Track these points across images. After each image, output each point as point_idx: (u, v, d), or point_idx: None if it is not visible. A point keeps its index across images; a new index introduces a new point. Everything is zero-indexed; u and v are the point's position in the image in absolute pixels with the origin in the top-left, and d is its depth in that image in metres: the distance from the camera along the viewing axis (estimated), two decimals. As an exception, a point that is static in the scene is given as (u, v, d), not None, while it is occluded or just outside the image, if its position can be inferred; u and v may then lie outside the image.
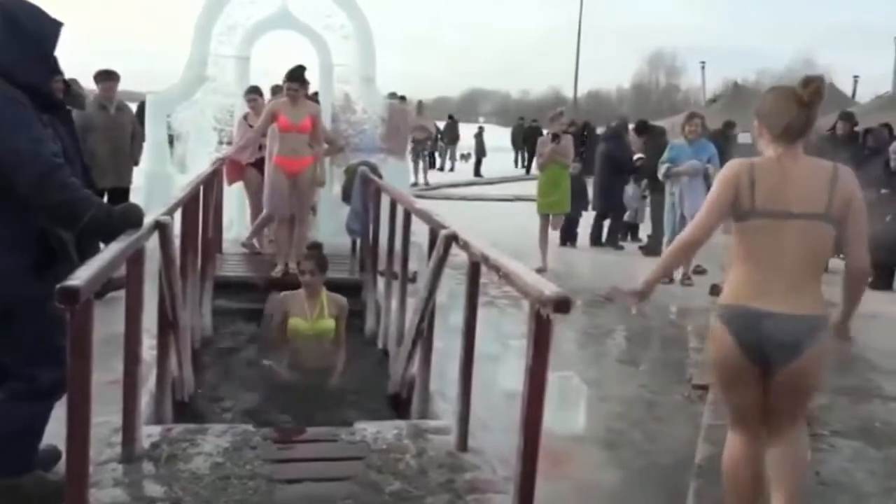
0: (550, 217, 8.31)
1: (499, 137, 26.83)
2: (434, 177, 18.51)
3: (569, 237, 9.77)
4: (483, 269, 2.89)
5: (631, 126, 10.63)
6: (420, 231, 5.03)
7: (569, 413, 3.94)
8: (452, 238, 3.34)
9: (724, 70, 47.20)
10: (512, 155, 24.45)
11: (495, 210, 13.76)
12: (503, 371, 4.42)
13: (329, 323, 4.97)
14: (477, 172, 21.10)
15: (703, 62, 27.19)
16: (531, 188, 9.15)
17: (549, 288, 2.11)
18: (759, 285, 2.60)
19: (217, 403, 4.38)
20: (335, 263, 6.95)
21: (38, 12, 2.71)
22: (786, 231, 2.58)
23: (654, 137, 9.83)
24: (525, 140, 21.43)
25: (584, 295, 7.03)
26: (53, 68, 2.84)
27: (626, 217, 10.21)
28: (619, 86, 65.47)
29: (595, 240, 10.09)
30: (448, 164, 22.72)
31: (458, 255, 3.41)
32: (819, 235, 2.59)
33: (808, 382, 2.61)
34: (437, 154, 21.84)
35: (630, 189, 10.00)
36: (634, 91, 61.61)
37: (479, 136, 23.02)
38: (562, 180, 8.20)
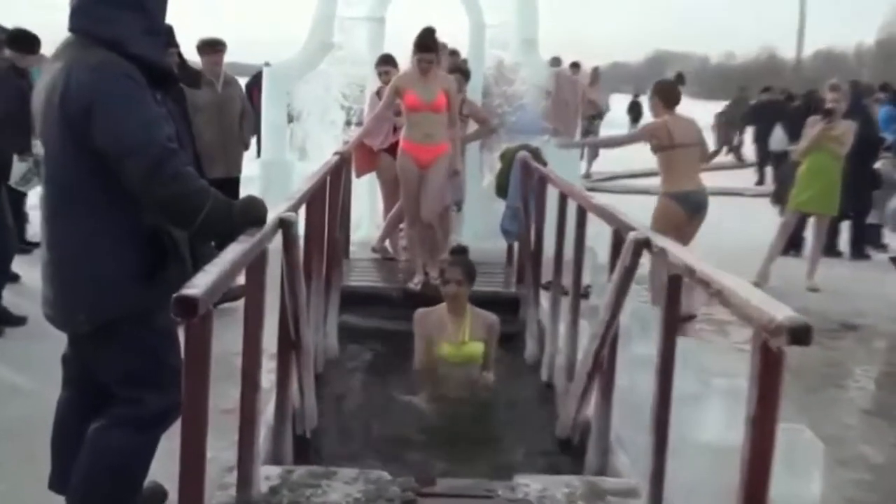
0: (813, 219, 8.05)
1: (698, 113, 26.11)
2: (602, 165, 18.23)
3: (792, 243, 9.35)
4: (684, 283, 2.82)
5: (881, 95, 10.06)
6: (595, 233, 5.01)
7: (798, 479, 3.75)
8: (644, 243, 3.28)
9: None
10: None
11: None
12: (707, 418, 4.28)
13: (477, 347, 5.04)
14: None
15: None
16: (743, 179, 8.82)
17: (781, 311, 2.02)
18: None
19: (344, 442, 4.50)
20: (486, 274, 7.03)
21: None
22: None
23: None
24: (757, 116, 19.52)
25: (816, 321, 6.68)
26: (168, 39, 3.02)
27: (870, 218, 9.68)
28: (860, 42, 62.03)
29: (830, 247, 9.59)
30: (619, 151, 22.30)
31: (645, 266, 3.35)
32: None
33: None
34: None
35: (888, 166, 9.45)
36: (880, 49, 58.24)
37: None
38: (830, 171, 7.93)
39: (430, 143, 6.53)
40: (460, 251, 5.41)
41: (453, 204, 7.80)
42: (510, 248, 7.60)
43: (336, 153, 6.36)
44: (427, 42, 6.44)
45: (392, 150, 7.34)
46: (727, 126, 22.26)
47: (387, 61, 7.80)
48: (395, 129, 7.39)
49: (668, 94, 6.71)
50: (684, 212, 6.33)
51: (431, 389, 4.96)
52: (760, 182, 17.06)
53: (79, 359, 3.10)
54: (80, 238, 2.85)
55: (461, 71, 7.82)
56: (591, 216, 4.62)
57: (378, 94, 7.67)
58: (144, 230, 2.89)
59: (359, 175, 7.85)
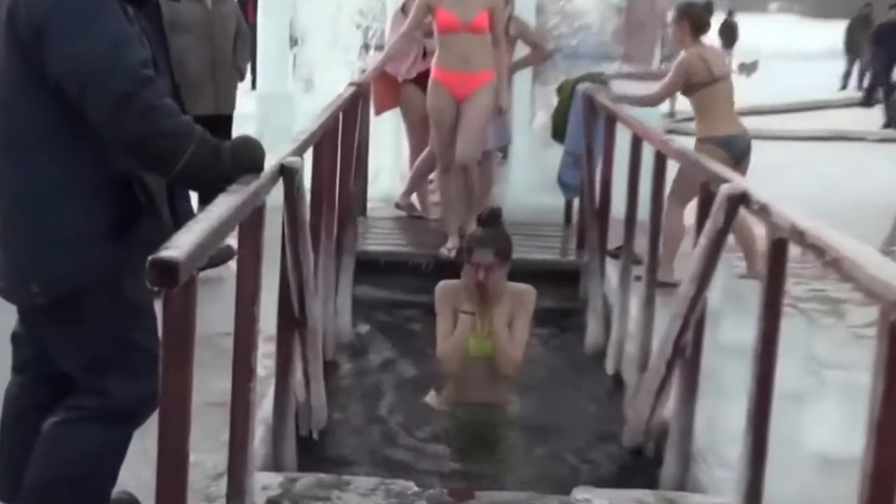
0: None
1: (812, 36, 25.71)
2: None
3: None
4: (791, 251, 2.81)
5: None
6: None
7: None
8: (740, 199, 3.25)
9: None
10: (838, 65, 23.37)
11: (801, 154, 13.25)
12: (817, 420, 4.27)
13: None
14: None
15: None
16: (867, 120, 8.70)
17: (917, 285, 1.99)
18: None
19: (360, 444, 4.54)
20: (538, 238, 7.03)
21: None
22: None
23: None
24: (884, 38, 18.86)
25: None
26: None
27: None
28: None
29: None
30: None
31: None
32: None
33: None
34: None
35: None
36: None
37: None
38: None
39: (468, 71, 6.49)
40: (491, 218, 5.00)
41: (497, 149, 7.77)
42: (569, 206, 7.58)
43: (351, 84, 6.33)
44: None
45: (421, 80, 7.26)
46: (848, 45, 21.98)
47: None
48: (426, 55, 7.35)
49: (699, 20, 6.75)
50: (730, 159, 6.30)
51: (457, 387, 4.92)
52: (889, 124, 16.83)
53: (32, 339, 3.13)
54: (33, 188, 2.85)
55: None
56: (672, 165, 4.58)
57: (403, 9, 7.61)
58: (112, 178, 2.90)
59: (379, 112, 7.82)
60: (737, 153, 6.55)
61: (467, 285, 4.88)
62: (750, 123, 16.51)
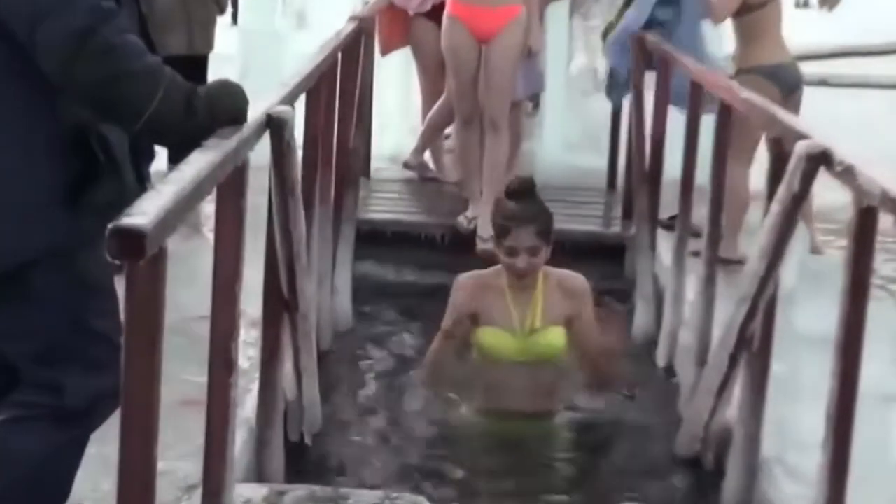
0: None
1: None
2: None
3: None
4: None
5: None
6: None
7: None
8: (820, 158, 3.24)
9: None
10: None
11: (887, 105, 13.16)
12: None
13: (555, 337, 4.88)
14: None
15: None
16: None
17: None
18: None
19: (361, 452, 4.55)
20: (576, 205, 7.01)
21: None
22: None
23: None
24: None
25: None
26: None
27: None
28: None
29: None
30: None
31: (820, 197, 3.33)
32: None
33: None
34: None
35: None
36: None
37: None
38: None
39: (491, 6, 6.47)
40: (524, 189, 4.84)
41: (527, 99, 7.75)
42: (613, 167, 7.56)
43: (352, 18, 6.31)
44: None
45: (435, 14, 7.25)
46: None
47: None
48: None
49: None
50: (779, 92, 6.29)
51: (487, 396, 4.91)
52: None
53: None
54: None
55: None
56: (738, 117, 4.55)
57: None
58: (64, 133, 2.90)
59: (385, 52, 7.81)
60: (786, 85, 6.52)
61: (499, 275, 4.83)
62: (831, 68, 16.51)
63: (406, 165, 7.78)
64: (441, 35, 6.74)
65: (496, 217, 4.96)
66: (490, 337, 4.82)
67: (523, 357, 4.78)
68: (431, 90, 7.70)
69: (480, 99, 6.58)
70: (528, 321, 4.77)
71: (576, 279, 4.93)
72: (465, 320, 4.87)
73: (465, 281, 4.93)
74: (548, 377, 4.89)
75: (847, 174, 3.01)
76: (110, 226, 1.98)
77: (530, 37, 6.70)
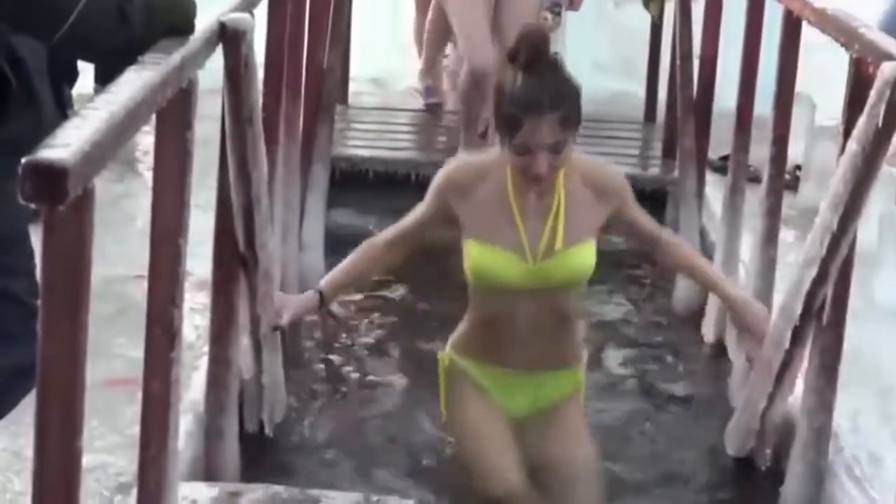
0: None
1: None
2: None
3: None
4: None
5: None
6: (815, 67, 4.79)
7: None
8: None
9: None
10: None
11: None
12: None
13: (583, 256, 4.13)
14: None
15: None
16: None
17: None
18: None
19: (332, 443, 4.58)
20: (608, 140, 6.99)
21: None
22: None
23: None
24: None
25: None
26: None
27: None
28: None
29: None
30: None
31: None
32: None
33: None
34: None
35: None
36: None
37: None
38: None
39: None
40: (538, 58, 3.96)
41: (547, 8, 7.72)
42: (652, 93, 7.54)
43: None
44: None
45: None
46: None
47: None
48: None
49: None
50: None
51: (489, 349, 4.66)
52: None
53: None
54: None
55: None
56: (808, 31, 4.55)
57: None
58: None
59: None
60: None
61: (503, 169, 4.06)
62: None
63: (424, 91, 7.73)
64: None
65: (501, 104, 4.24)
66: (488, 259, 4.03)
67: (538, 286, 4.08)
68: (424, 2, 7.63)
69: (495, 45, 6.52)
70: (543, 242, 4.00)
71: (609, 173, 4.21)
72: (442, 218, 4.15)
73: (452, 174, 4.13)
74: (567, 311, 4.38)
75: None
76: (23, 161, 1.98)
77: None
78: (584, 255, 4.02)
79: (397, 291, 5.92)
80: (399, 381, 5.07)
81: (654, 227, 4.23)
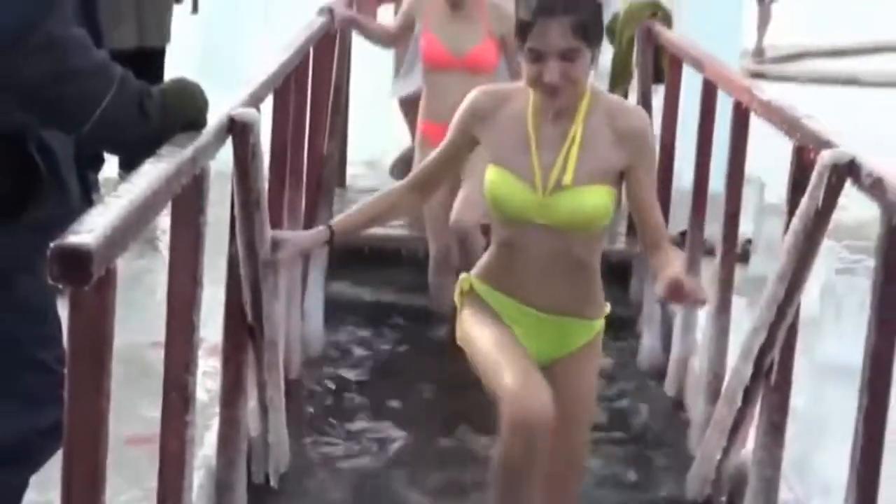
0: None
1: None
2: (779, 36, 18.04)
3: None
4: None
5: None
6: (763, 151, 4.81)
7: None
8: (846, 168, 3.26)
9: None
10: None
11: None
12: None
13: (597, 197, 3.61)
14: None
15: None
16: None
17: None
18: None
19: (333, 495, 4.54)
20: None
21: None
22: None
23: None
24: None
25: None
26: None
27: None
28: None
29: None
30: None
31: (848, 209, 3.35)
32: None
33: None
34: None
35: None
36: None
37: None
38: None
39: None
40: None
41: None
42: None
43: (322, 10, 6.22)
44: None
45: None
46: None
47: None
48: None
49: None
50: None
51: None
52: None
53: None
54: None
55: None
56: (756, 121, 4.58)
57: None
58: (1, 139, 2.91)
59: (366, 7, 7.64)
60: None
61: (523, 94, 3.71)
62: (858, 65, 16.51)
63: (392, 172, 7.68)
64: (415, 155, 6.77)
65: (518, 10, 4.01)
66: (501, 184, 3.64)
67: (544, 220, 3.60)
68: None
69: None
70: (553, 175, 3.58)
71: (635, 112, 3.75)
72: (466, 143, 3.79)
73: (477, 99, 3.76)
74: (581, 259, 3.90)
75: (876, 187, 3.03)
76: (52, 245, 2.00)
77: None
78: (595, 199, 3.58)
79: (391, 361, 5.91)
80: (396, 439, 5.05)
81: (656, 208, 3.72)
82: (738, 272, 4.96)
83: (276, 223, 4.20)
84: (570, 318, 3.68)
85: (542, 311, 3.65)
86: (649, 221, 3.70)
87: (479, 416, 4.95)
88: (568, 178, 3.54)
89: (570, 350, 3.70)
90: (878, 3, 21.64)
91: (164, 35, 8.16)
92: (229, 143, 3.27)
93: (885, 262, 2.98)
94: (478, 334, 3.70)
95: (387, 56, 8.10)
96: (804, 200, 3.49)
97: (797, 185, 3.68)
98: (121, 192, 2.34)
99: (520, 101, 3.64)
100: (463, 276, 3.83)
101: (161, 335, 2.96)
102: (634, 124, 3.64)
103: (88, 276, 2.00)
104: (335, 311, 6.16)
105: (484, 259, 3.79)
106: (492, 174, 3.63)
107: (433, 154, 3.84)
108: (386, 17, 7.86)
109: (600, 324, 3.76)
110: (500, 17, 5.96)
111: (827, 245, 3.67)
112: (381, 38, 6.63)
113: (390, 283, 6.50)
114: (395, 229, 7.00)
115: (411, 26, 6.31)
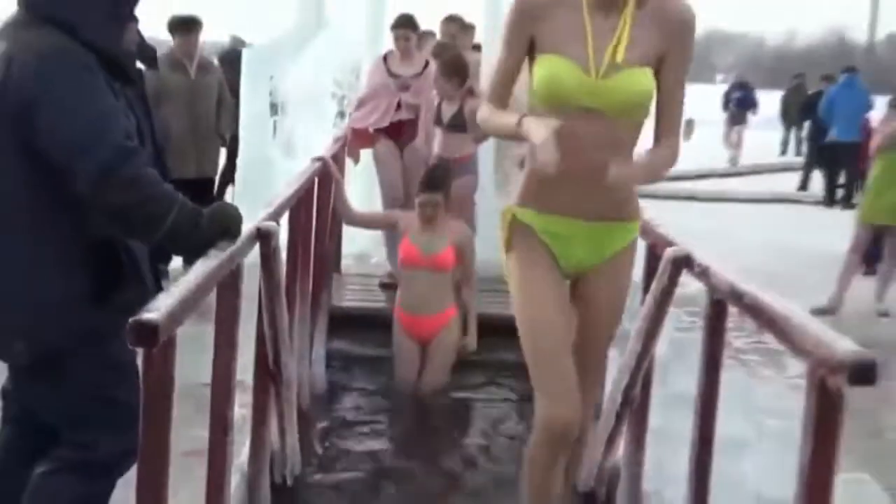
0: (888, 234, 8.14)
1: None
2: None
3: (866, 261, 9.25)
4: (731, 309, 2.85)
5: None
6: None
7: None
8: (683, 261, 3.28)
9: None
10: (776, 133, 23.53)
11: (744, 216, 13.41)
12: (757, 466, 4.29)
13: (641, 79, 3.03)
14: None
15: None
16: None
17: (842, 345, 2.02)
18: None
19: (335, 491, 4.49)
20: (493, 293, 6.84)
21: None
22: None
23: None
24: (805, 109, 18.59)
25: (885, 352, 6.66)
26: (128, 15, 3.04)
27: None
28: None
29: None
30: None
31: (687, 286, 3.38)
32: None
33: None
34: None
35: None
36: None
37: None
38: None
39: (425, 313, 5.75)
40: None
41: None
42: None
43: (315, 159, 6.04)
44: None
45: (394, 131, 6.96)
46: (784, 114, 22.15)
47: (406, 23, 6.99)
48: (399, 107, 6.93)
49: None
50: None
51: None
52: (803, 187, 16.77)
53: (20, 393, 3.12)
54: (19, 254, 2.85)
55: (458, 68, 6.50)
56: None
57: (385, 59, 7.11)
58: (96, 244, 2.90)
59: (353, 155, 7.36)
60: None
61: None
62: (700, 187, 16.66)
63: (383, 285, 7.19)
64: (398, 152, 6.75)
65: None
66: (556, 67, 3.02)
67: (593, 103, 3.00)
68: (393, 195, 7.23)
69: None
70: (605, 59, 2.99)
71: (681, 7, 3.09)
72: (524, 43, 3.11)
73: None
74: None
75: (703, 274, 3.06)
76: (130, 320, 2.01)
77: (464, 339, 5.84)
78: (640, 79, 3.01)
79: (376, 394, 5.85)
80: (388, 449, 5.00)
81: (677, 103, 3.13)
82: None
83: (290, 298, 4.21)
84: (611, 222, 3.17)
85: (587, 220, 3.11)
86: (664, 111, 3.11)
87: (450, 436, 5.10)
88: (620, 58, 2.97)
89: (612, 253, 3.21)
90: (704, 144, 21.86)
91: (214, 167, 8.20)
92: (257, 247, 3.28)
93: (709, 326, 3.01)
94: (524, 300, 3.15)
95: (371, 176, 8.01)
96: (654, 283, 3.50)
97: (651, 271, 3.69)
98: (180, 282, 2.36)
99: (574, 1, 3.03)
100: (504, 207, 3.21)
101: (209, 378, 2.97)
102: (681, 15, 3.07)
103: (156, 341, 2.02)
104: (334, 360, 6.15)
105: (522, 186, 3.16)
106: (547, 62, 3.02)
107: (497, 69, 3.16)
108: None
109: (637, 227, 3.27)
110: (457, 230, 5.79)
111: (672, 311, 3.69)
112: (345, 215, 6.25)
113: (374, 340, 6.47)
114: (376, 303, 6.96)
115: (392, 226, 6.17)
